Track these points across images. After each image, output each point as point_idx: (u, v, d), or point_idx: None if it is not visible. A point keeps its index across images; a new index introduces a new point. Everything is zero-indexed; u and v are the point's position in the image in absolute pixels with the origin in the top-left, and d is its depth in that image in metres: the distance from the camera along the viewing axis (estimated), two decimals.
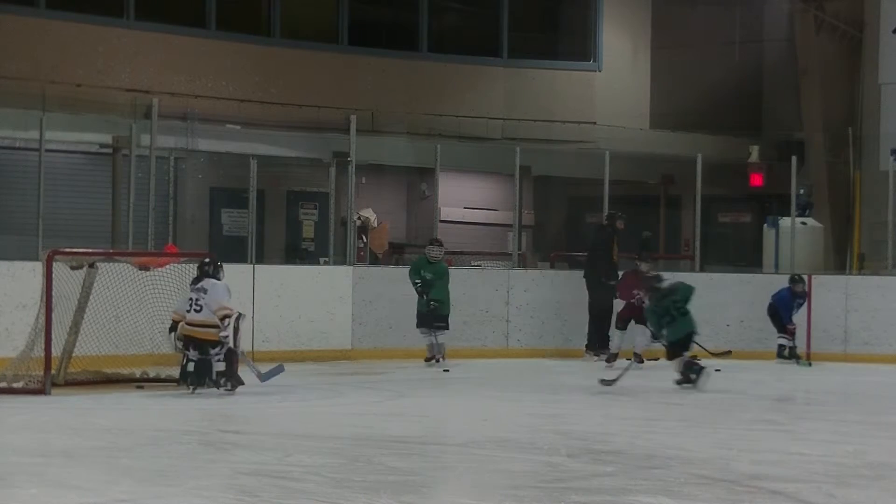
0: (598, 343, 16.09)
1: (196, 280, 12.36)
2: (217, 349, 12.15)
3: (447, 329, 15.38)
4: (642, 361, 15.22)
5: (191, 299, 12.23)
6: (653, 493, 7.39)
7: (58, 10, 18.30)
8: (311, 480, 7.69)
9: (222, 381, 12.18)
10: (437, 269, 15.44)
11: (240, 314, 12.25)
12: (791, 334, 16.29)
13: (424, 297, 15.27)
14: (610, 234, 16.36)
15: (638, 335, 15.30)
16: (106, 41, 18.56)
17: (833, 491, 7.56)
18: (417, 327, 15.42)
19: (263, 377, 12.31)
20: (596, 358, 15.94)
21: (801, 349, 16.42)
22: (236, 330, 12.14)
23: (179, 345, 12.27)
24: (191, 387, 12.20)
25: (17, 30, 17.93)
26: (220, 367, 12.18)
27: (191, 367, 12.23)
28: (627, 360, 15.09)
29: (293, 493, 7.31)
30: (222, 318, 12.09)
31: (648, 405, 12.29)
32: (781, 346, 16.38)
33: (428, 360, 15.36)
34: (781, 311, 16.32)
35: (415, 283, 15.36)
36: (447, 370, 14.81)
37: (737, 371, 15.24)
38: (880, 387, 14.35)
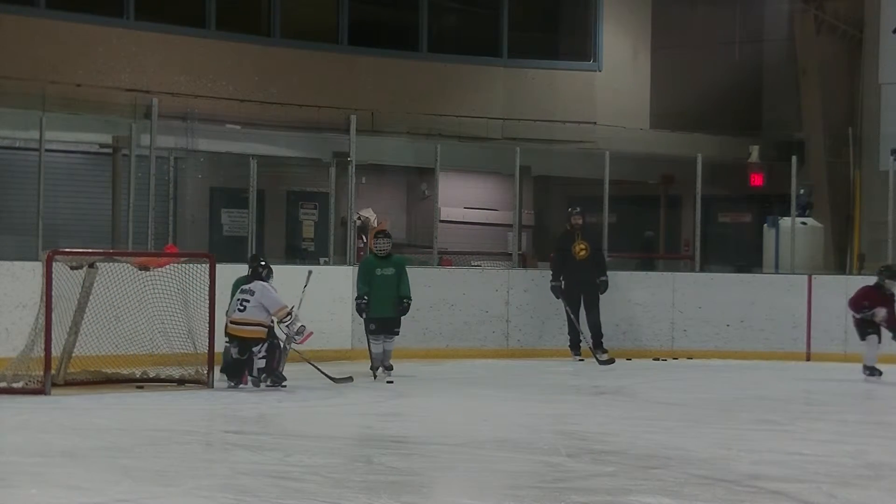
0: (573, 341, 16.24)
1: (247, 280, 12.63)
2: (259, 346, 12.36)
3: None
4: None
5: (237, 299, 12.52)
6: (653, 493, 7.39)
7: (58, 10, 18.27)
8: (310, 480, 7.70)
9: (262, 377, 12.41)
10: None
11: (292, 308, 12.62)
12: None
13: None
14: (563, 234, 16.51)
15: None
16: (106, 41, 18.53)
17: (833, 491, 7.57)
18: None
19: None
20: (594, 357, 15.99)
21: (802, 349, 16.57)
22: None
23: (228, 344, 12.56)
24: (230, 383, 12.50)
25: (17, 30, 17.90)
26: (260, 363, 12.36)
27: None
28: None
29: (293, 493, 7.31)
30: (284, 317, 12.48)
31: (648, 405, 12.29)
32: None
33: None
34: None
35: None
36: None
37: (737, 371, 15.28)
38: (880, 387, 14.34)
